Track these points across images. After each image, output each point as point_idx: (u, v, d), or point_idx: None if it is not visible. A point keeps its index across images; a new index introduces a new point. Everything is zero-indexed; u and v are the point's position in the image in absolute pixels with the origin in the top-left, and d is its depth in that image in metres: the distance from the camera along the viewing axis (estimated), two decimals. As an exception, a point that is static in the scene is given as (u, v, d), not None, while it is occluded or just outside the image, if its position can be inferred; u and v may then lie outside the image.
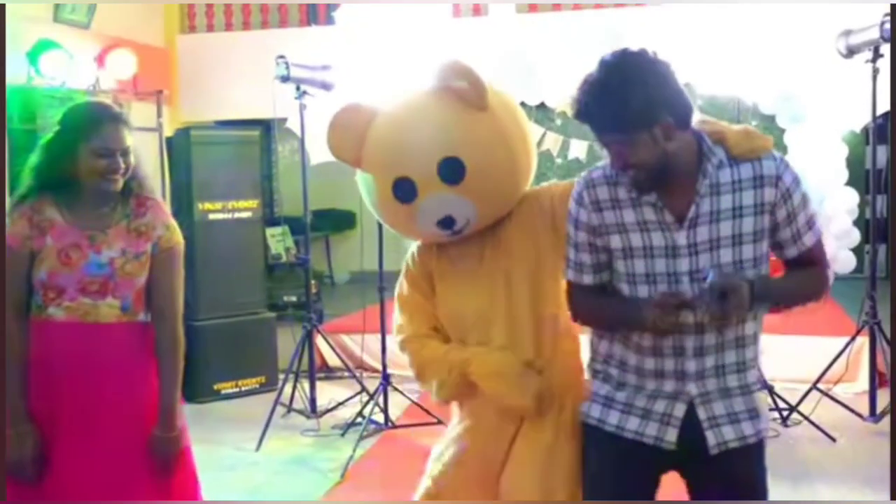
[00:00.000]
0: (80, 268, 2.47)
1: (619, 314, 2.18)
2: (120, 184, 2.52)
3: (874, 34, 4.86)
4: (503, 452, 2.51)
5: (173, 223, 2.62)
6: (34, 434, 2.45)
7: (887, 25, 4.72)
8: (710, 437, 2.11)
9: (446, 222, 2.50)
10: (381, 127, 2.56)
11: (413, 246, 2.70)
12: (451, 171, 2.46)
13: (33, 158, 2.53)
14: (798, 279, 2.16)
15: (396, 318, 2.66)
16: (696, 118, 2.09)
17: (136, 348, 2.55)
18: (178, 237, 2.62)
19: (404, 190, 2.50)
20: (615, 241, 2.13)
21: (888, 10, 4.74)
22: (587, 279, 2.22)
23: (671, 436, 2.13)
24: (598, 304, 2.23)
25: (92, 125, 2.47)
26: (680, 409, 2.12)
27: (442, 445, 2.63)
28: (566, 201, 2.40)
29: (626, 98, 1.94)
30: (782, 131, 7.63)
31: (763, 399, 2.21)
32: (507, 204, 2.58)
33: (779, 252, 2.14)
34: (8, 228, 2.48)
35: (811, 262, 2.14)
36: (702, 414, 2.11)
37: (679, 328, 2.04)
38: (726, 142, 2.09)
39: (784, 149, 7.58)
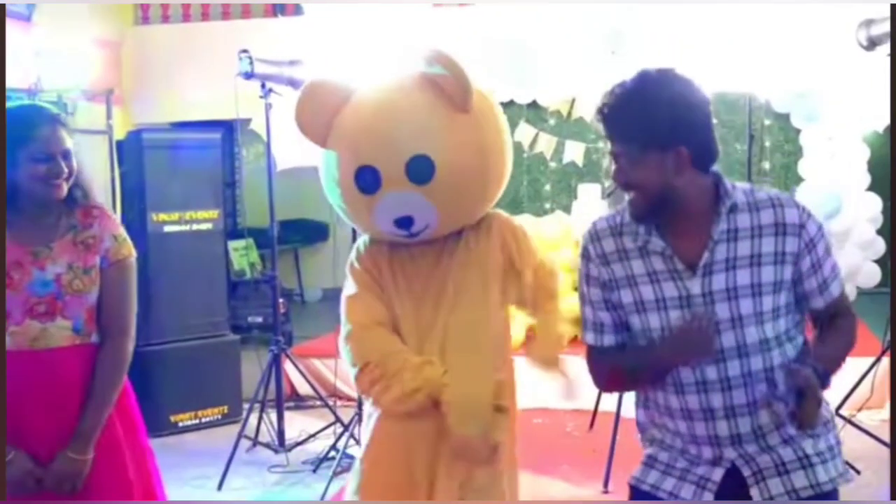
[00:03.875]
0: (24, 288, 2.48)
1: (640, 358, 2.20)
2: (64, 190, 2.54)
3: (899, 24, 4.88)
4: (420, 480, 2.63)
5: (122, 234, 2.65)
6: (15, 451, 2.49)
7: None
8: (755, 494, 2.11)
9: (404, 222, 2.60)
10: (357, 108, 2.65)
11: (360, 241, 2.80)
12: (420, 170, 2.55)
13: None
14: (840, 341, 2.19)
15: (346, 311, 2.73)
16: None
17: (91, 372, 2.56)
18: (129, 249, 2.65)
19: (367, 180, 2.59)
20: (626, 296, 2.17)
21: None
22: (608, 340, 2.25)
23: (707, 498, 2.14)
24: (618, 358, 2.26)
25: (27, 129, 2.49)
26: (718, 474, 2.14)
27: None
28: (519, 240, 2.71)
29: (648, 109, 2.02)
30: (797, 131, 7.67)
31: (826, 442, 2.19)
32: (470, 215, 2.70)
33: (805, 304, 2.18)
34: None
35: (839, 312, 2.19)
36: (746, 471, 2.12)
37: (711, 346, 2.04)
38: None
39: (799, 150, 7.62)
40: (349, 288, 2.75)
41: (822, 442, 2.17)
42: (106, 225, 2.62)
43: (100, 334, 2.60)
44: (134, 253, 2.68)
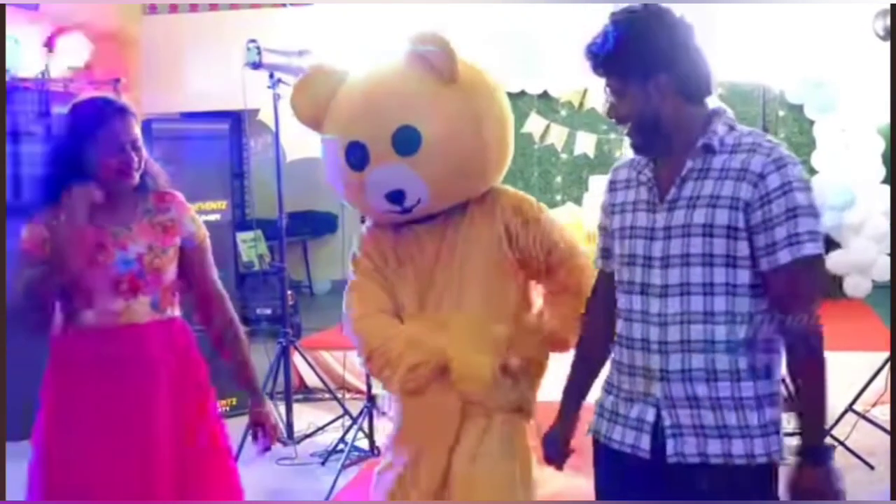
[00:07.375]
0: (109, 266, 2.64)
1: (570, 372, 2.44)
2: (136, 178, 2.69)
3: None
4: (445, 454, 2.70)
5: (196, 216, 2.86)
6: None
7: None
8: (670, 445, 2.14)
9: (396, 196, 2.62)
10: (348, 89, 2.72)
11: (363, 228, 2.86)
12: (406, 141, 2.58)
13: (44, 167, 2.71)
14: (812, 393, 2.09)
15: (348, 301, 2.82)
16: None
17: (169, 346, 2.78)
18: (204, 229, 2.88)
19: (356, 156, 2.64)
20: (614, 222, 2.27)
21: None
22: (599, 263, 2.39)
23: (645, 443, 2.18)
24: (586, 324, 2.44)
25: (98, 121, 2.63)
26: (650, 414, 2.17)
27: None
28: (527, 217, 2.71)
29: (627, 39, 2.08)
30: (811, 122, 7.64)
31: (760, 419, 2.13)
32: (464, 189, 2.71)
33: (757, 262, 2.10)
34: (24, 238, 2.65)
35: (788, 291, 2.06)
36: (666, 420, 2.15)
37: None
38: None
39: (813, 142, 7.59)
40: (350, 278, 2.83)
41: (751, 416, 2.11)
42: (182, 210, 2.82)
43: (200, 306, 2.91)
44: (207, 232, 2.91)
